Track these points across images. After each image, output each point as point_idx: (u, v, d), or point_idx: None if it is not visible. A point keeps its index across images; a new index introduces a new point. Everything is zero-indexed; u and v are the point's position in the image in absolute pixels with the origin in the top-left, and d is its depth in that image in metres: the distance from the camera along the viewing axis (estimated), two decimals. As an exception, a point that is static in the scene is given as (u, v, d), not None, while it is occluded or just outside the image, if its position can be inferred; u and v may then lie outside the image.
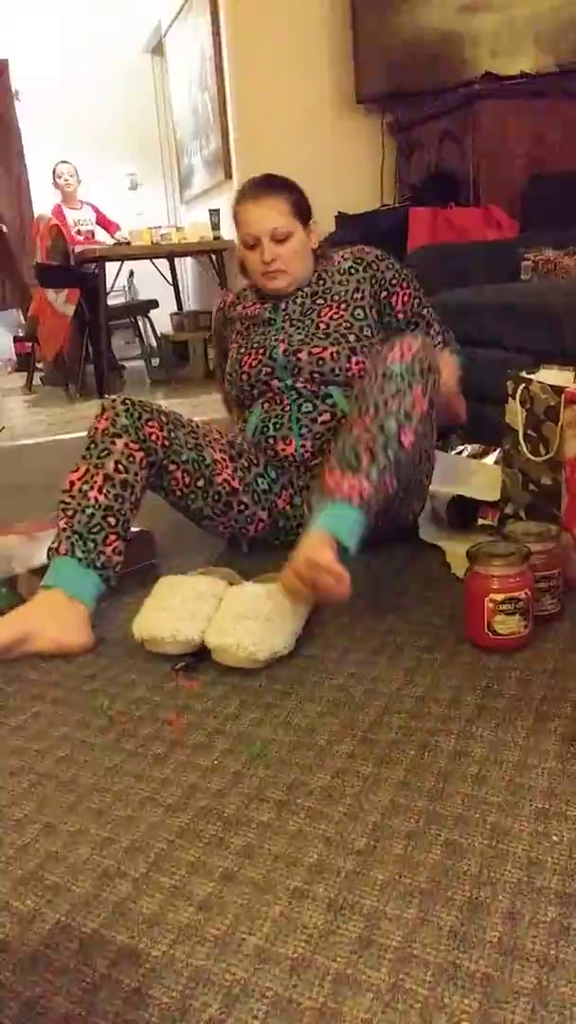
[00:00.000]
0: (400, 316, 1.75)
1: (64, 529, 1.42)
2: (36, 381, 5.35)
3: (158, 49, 5.80)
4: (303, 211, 1.69)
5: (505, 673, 1.17)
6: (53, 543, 1.43)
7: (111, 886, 0.82)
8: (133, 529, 1.72)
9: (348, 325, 1.66)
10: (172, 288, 5.56)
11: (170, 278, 5.53)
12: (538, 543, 1.28)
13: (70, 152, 5.53)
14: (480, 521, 1.71)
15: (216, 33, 4.06)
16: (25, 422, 4.04)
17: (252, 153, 4.04)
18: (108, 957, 0.74)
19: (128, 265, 5.56)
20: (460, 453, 2.02)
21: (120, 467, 1.47)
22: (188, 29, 4.60)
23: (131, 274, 5.97)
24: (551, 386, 1.47)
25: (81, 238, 5.23)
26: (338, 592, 1.21)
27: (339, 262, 1.74)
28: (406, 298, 1.75)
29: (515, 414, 1.56)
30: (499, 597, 1.20)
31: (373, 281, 1.72)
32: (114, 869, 0.85)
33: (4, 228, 5.56)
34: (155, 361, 5.44)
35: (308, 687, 1.18)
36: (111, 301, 5.02)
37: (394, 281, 1.73)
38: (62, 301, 4.64)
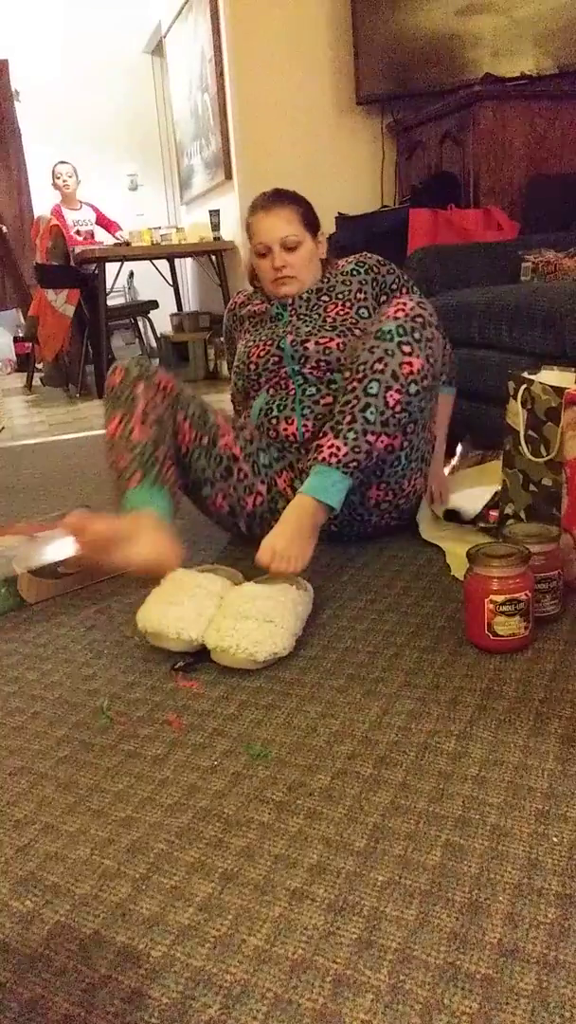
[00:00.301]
0: None
1: (127, 465, 1.48)
2: (36, 381, 5.35)
3: (158, 50, 5.81)
4: (312, 222, 1.76)
5: (505, 674, 1.17)
6: (118, 481, 1.49)
7: (111, 887, 0.82)
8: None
9: (354, 321, 1.71)
10: (172, 289, 5.56)
11: (170, 279, 5.53)
12: (538, 544, 1.28)
13: (70, 153, 5.53)
14: (480, 524, 1.71)
15: (216, 34, 4.06)
16: (25, 422, 4.04)
17: (252, 154, 4.05)
18: (108, 958, 0.74)
19: (128, 266, 5.56)
20: (462, 456, 2.02)
21: (149, 406, 1.54)
22: (188, 30, 4.61)
23: (131, 275, 5.98)
24: (552, 387, 1.47)
25: (80, 238, 5.23)
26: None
27: (343, 266, 1.80)
28: None
29: (516, 415, 1.56)
30: (499, 598, 1.20)
31: (374, 284, 1.77)
32: (114, 870, 0.85)
33: (4, 228, 5.56)
34: (155, 362, 5.43)
35: (308, 688, 1.18)
36: (111, 302, 5.02)
37: (394, 286, 1.79)
38: (62, 301, 4.65)
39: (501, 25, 3.45)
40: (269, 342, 1.72)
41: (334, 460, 1.39)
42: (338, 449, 1.40)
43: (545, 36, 3.39)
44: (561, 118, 3.28)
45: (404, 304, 1.44)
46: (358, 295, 1.74)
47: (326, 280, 1.77)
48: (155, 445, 1.50)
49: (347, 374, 1.46)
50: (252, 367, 1.73)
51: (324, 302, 1.74)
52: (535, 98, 3.27)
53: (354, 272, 1.76)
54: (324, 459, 1.40)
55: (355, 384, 1.42)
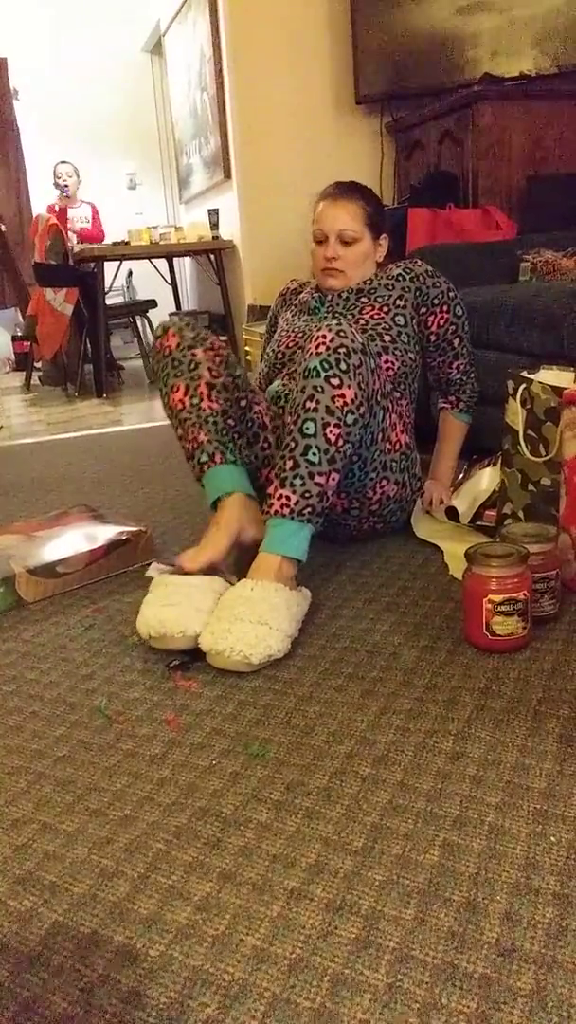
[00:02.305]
0: (432, 338, 1.80)
1: (207, 441, 1.48)
2: (34, 380, 5.35)
3: (157, 48, 5.80)
4: (376, 223, 1.76)
5: (503, 674, 1.17)
6: (200, 458, 1.48)
7: (109, 886, 0.82)
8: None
9: (387, 327, 1.70)
10: (171, 288, 5.56)
11: (169, 278, 5.53)
12: (536, 544, 1.28)
13: (69, 151, 5.53)
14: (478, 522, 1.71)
15: (215, 33, 4.06)
16: (23, 421, 4.04)
17: (251, 153, 4.04)
18: (106, 957, 0.74)
19: (127, 265, 5.56)
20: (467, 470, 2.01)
21: (214, 373, 1.53)
22: (187, 29, 4.60)
23: (130, 274, 5.98)
24: (551, 387, 1.47)
25: (75, 236, 5.23)
26: None
27: (391, 270, 1.79)
28: (442, 321, 1.78)
29: (515, 414, 1.57)
30: (497, 598, 1.20)
31: (417, 293, 1.76)
32: (112, 869, 0.85)
33: (3, 227, 5.56)
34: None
35: (306, 687, 1.18)
36: (110, 301, 5.02)
37: (436, 301, 1.77)
38: (61, 300, 4.64)
39: (500, 25, 3.45)
40: (300, 334, 1.74)
41: (286, 511, 1.34)
42: (288, 499, 1.34)
43: (544, 36, 3.39)
44: (560, 118, 3.28)
45: (324, 337, 1.39)
46: (398, 302, 1.73)
47: (370, 282, 1.77)
48: (225, 415, 1.51)
49: (286, 419, 1.41)
50: (279, 356, 1.77)
51: (362, 303, 1.74)
52: (534, 98, 3.27)
53: (399, 278, 1.76)
54: (277, 511, 1.35)
55: (291, 427, 1.37)
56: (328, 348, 1.37)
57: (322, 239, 1.74)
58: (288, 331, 1.79)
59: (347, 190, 1.75)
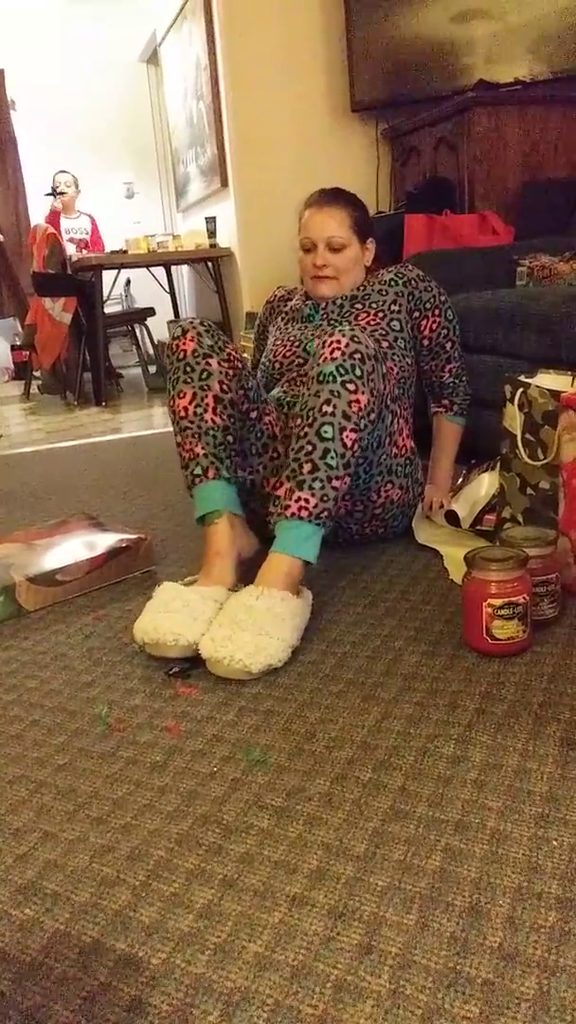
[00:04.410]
0: (425, 342, 1.81)
1: (204, 454, 1.48)
2: (34, 389, 5.36)
3: (153, 58, 5.83)
4: (362, 228, 1.76)
5: (504, 678, 1.17)
6: (194, 470, 1.48)
7: (110, 894, 0.82)
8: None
9: (383, 332, 1.71)
10: (169, 296, 5.57)
11: (167, 286, 5.54)
12: (536, 548, 1.28)
13: (66, 161, 5.55)
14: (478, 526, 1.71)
15: (211, 42, 4.08)
16: (23, 430, 4.04)
17: (248, 161, 4.06)
18: (108, 965, 0.73)
19: (125, 273, 5.57)
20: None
21: (224, 387, 1.52)
22: (183, 38, 4.62)
23: (128, 282, 5.99)
24: (549, 391, 1.47)
25: (74, 247, 5.24)
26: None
27: (382, 275, 1.79)
28: (435, 325, 1.79)
29: (513, 418, 1.57)
30: (497, 602, 1.20)
31: (410, 298, 1.77)
32: (113, 877, 0.85)
33: (1, 237, 5.57)
34: (152, 369, 5.44)
35: (307, 693, 1.18)
36: (108, 309, 5.03)
37: (428, 305, 1.78)
38: (59, 309, 4.65)
39: (495, 31, 3.46)
40: (296, 343, 1.74)
41: (304, 513, 1.33)
42: (307, 502, 1.33)
43: (539, 42, 3.40)
44: (555, 123, 3.30)
45: (339, 342, 1.39)
46: (392, 307, 1.74)
47: (362, 288, 1.77)
48: (226, 431, 1.50)
49: (297, 420, 1.41)
50: (276, 365, 1.76)
51: (357, 310, 1.74)
52: (529, 103, 3.28)
53: (392, 283, 1.77)
54: (294, 513, 1.33)
55: (307, 430, 1.36)
56: (344, 353, 1.38)
57: (310, 247, 1.74)
58: (283, 340, 1.79)
59: (333, 197, 1.75)
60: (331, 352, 1.39)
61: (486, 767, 0.97)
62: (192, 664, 1.28)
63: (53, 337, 4.70)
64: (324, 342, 1.41)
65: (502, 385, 1.61)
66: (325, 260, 1.72)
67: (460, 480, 1.91)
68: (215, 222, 4.49)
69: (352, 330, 1.41)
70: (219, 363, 1.52)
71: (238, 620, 1.24)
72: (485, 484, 1.78)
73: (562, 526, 1.42)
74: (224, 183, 4.24)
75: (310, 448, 1.35)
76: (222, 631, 1.24)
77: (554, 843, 0.83)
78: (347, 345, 1.38)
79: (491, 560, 1.22)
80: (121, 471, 2.81)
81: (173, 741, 1.09)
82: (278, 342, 1.79)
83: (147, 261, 4.80)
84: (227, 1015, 0.67)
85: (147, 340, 5.50)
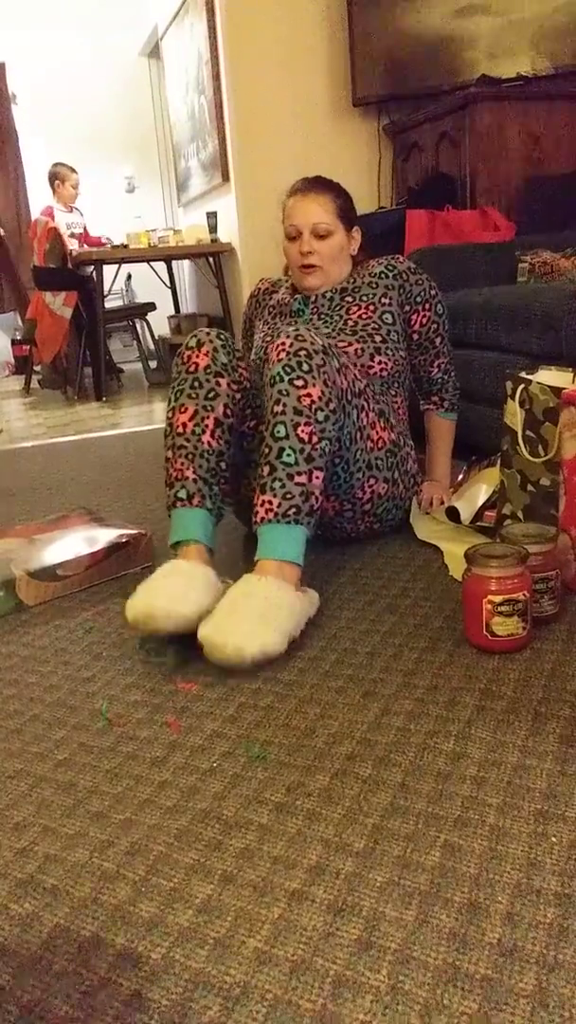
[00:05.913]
0: (415, 336, 1.79)
1: (193, 479, 1.45)
2: (34, 384, 5.35)
3: (155, 52, 5.81)
4: (347, 215, 1.74)
5: (503, 674, 1.17)
6: (179, 492, 1.45)
7: (110, 889, 0.82)
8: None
9: (376, 327, 1.69)
10: (170, 291, 5.56)
11: (167, 281, 5.53)
12: (536, 545, 1.28)
13: (67, 155, 5.53)
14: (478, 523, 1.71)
15: (213, 36, 4.06)
16: (23, 425, 4.04)
17: (249, 156, 4.05)
18: (107, 960, 0.74)
19: (125, 268, 5.56)
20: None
21: (228, 411, 1.50)
22: (185, 32, 4.61)
23: (128, 277, 5.98)
24: (550, 387, 1.47)
25: (76, 242, 5.23)
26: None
27: (372, 267, 1.77)
28: (425, 319, 1.78)
29: (514, 415, 1.57)
30: (497, 599, 1.20)
31: (401, 291, 1.75)
32: (113, 872, 0.85)
33: (1, 231, 5.56)
34: (153, 364, 5.44)
35: (307, 689, 1.18)
36: (109, 304, 5.02)
37: (419, 299, 1.77)
38: (60, 304, 4.65)
39: (497, 26, 3.45)
40: None
41: (270, 515, 1.33)
42: (270, 503, 1.33)
43: (541, 37, 3.40)
44: (557, 118, 3.29)
45: (283, 344, 1.39)
46: (383, 300, 1.72)
47: (352, 280, 1.75)
48: (220, 457, 1.47)
49: (260, 426, 1.40)
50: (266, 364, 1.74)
51: (347, 303, 1.72)
52: (531, 99, 3.27)
53: (382, 275, 1.75)
54: (263, 518, 1.34)
55: (265, 435, 1.37)
56: (288, 353, 1.38)
57: (295, 235, 1.71)
58: (273, 336, 1.77)
59: (316, 183, 1.73)
60: (277, 355, 1.39)
61: (485, 763, 0.97)
62: (179, 657, 1.27)
63: (54, 332, 4.69)
64: (271, 347, 1.41)
65: (503, 381, 1.60)
66: (311, 247, 1.69)
67: (461, 476, 1.91)
68: (216, 217, 4.48)
69: (296, 329, 1.41)
70: (229, 384, 1.50)
71: (237, 605, 1.24)
72: (485, 480, 1.78)
73: (562, 523, 1.42)
74: (225, 178, 4.23)
75: (267, 451, 1.35)
76: (220, 615, 1.23)
77: (553, 839, 0.83)
78: (291, 345, 1.39)
79: (491, 557, 1.22)
80: (121, 466, 2.81)
81: (173, 736, 1.09)
82: (268, 338, 1.76)
83: (148, 256, 4.79)
84: (226, 1010, 0.67)
85: (148, 335, 5.50)
